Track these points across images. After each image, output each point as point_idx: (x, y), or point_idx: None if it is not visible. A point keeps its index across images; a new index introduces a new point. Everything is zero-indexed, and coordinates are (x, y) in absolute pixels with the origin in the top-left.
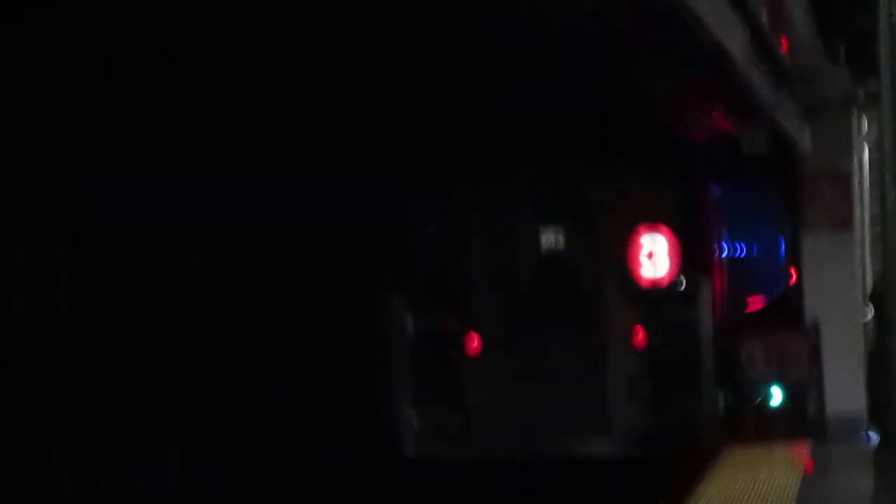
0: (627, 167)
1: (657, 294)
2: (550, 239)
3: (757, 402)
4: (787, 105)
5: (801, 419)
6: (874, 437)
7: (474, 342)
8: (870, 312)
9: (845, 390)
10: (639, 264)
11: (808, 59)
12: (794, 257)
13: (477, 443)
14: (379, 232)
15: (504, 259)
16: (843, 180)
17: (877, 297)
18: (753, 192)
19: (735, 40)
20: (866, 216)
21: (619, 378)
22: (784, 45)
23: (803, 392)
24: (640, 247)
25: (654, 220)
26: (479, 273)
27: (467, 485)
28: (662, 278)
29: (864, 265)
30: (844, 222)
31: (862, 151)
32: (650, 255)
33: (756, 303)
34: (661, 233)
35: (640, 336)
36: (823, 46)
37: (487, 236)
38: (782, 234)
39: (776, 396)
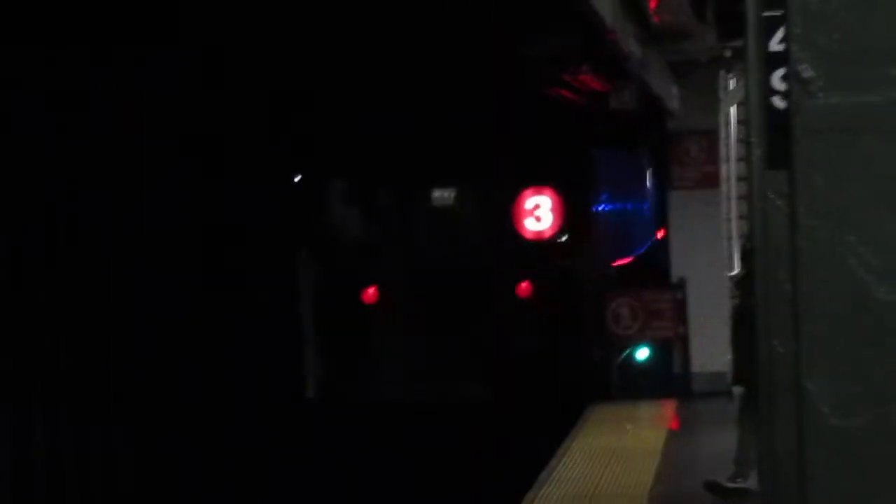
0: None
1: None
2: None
3: (623, 358)
4: (654, 63)
5: (667, 376)
6: (737, 394)
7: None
8: (735, 270)
9: (710, 348)
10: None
11: (676, 18)
12: (661, 215)
13: (376, 386)
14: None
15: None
16: (710, 138)
17: (746, 255)
18: (623, 150)
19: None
20: (732, 174)
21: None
22: (652, 4)
23: (669, 349)
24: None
25: (539, 182)
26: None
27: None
28: (545, 232)
29: (731, 223)
30: (710, 180)
31: (729, 109)
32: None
33: (624, 260)
34: (545, 193)
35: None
36: (691, 5)
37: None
38: (650, 192)
39: (642, 353)
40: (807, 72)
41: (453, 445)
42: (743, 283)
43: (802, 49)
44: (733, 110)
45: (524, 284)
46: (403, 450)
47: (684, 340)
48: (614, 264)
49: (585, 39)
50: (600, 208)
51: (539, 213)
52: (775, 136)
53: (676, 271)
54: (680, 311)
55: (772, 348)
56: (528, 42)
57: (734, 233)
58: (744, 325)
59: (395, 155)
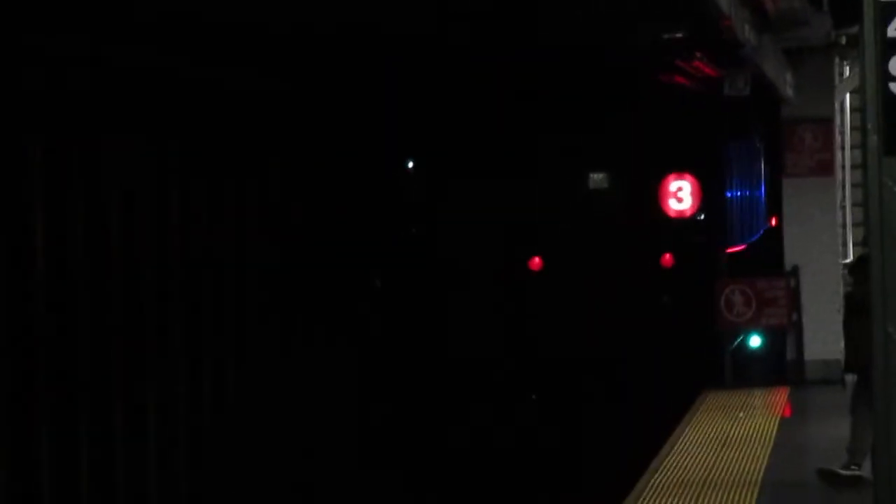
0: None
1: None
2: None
3: (736, 345)
4: (768, 50)
5: (780, 364)
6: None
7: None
8: (849, 257)
9: (824, 336)
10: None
11: (791, 4)
12: (775, 202)
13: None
14: None
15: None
16: (824, 126)
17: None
18: (743, 138)
19: None
20: (847, 162)
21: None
22: None
23: (782, 337)
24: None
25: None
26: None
27: None
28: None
29: (845, 211)
30: (825, 168)
31: (844, 97)
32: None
33: (738, 247)
34: (686, 178)
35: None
36: None
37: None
38: (764, 179)
39: (755, 341)
40: None
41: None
42: (856, 271)
43: None
44: (848, 97)
45: (667, 255)
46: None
47: (798, 328)
48: (728, 251)
49: (700, 25)
50: (729, 193)
51: (680, 195)
52: (892, 122)
53: (790, 259)
54: (793, 299)
55: (887, 335)
56: (642, 29)
57: (849, 221)
58: (856, 312)
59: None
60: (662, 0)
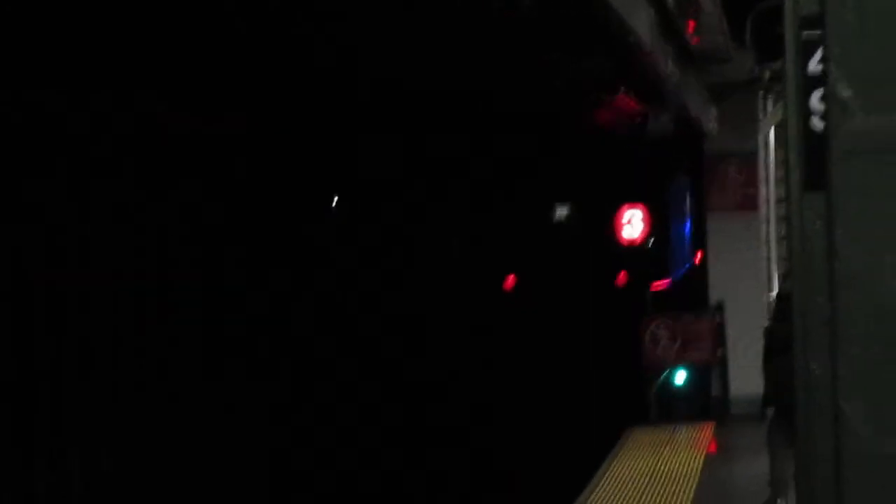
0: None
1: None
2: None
3: (661, 381)
4: (692, 85)
5: (705, 400)
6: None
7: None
8: (774, 292)
9: (749, 371)
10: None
11: (714, 40)
12: (700, 238)
13: None
14: None
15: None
16: (749, 160)
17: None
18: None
19: (641, 20)
20: (772, 196)
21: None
22: (690, 26)
23: (707, 373)
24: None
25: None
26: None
27: None
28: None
29: (770, 245)
30: (750, 202)
31: (768, 132)
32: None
33: (662, 283)
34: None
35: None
36: (729, 27)
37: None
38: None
39: (680, 377)
40: (844, 92)
41: None
42: (777, 306)
43: (840, 69)
44: (772, 132)
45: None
46: None
47: (723, 364)
48: (652, 288)
49: (622, 61)
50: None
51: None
52: (813, 157)
53: (715, 294)
54: (718, 335)
55: (809, 370)
56: (565, 65)
57: (773, 255)
58: (774, 347)
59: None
60: (585, 34)
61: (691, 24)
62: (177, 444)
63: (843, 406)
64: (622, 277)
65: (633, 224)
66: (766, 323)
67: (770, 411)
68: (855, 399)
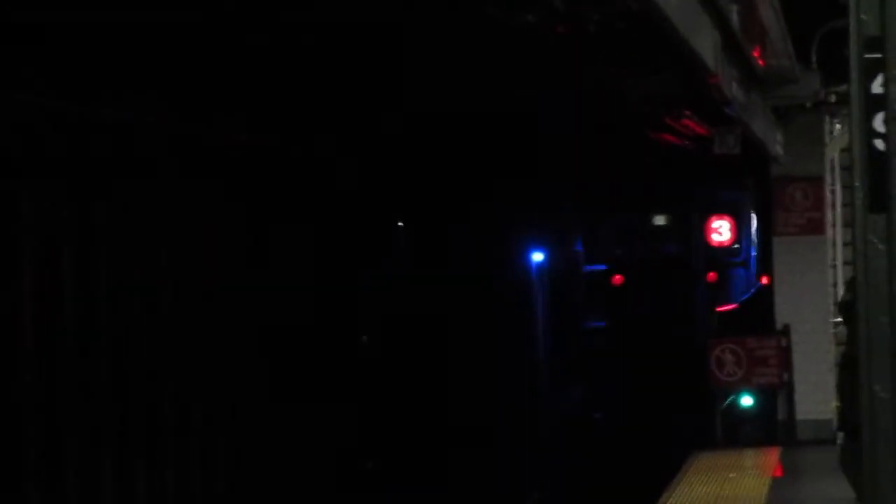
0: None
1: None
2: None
3: (727, 405)
4: (758, 108)
5: (771, 423)
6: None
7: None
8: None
9: (815, 395)
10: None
11: (780, 62)
12: (766, 260)
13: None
14: None
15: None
16: (815, 184)
17: (845, 303)
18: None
19: (705, 42)
20: (838, 220)
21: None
22: (755, 48)
23: (773, 397)
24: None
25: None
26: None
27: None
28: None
29: (836, 269)
30: (816, 226)
31: (834, 154)
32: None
33: (729, 305)
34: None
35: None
36: (794, 49)
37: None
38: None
39: (746, 400)
40: None
41: None
42: (848, 329)
43: None
44: (838, 155)
45: (711, 274)
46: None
47: (789, 387)
48: (718, 310)
49: (688, 83)
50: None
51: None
52: (877, 179)
53: (781, 318)
54: (785, 358)
55: (873, 392)
56: (629, 86)
57: (840, 279)
58: (849, 370)
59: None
60: (650, 58)
61: (757, 46)
62: None
63: None
64: (712, 276)
65: (721, 232)
66: (832, 347)
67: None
68: None
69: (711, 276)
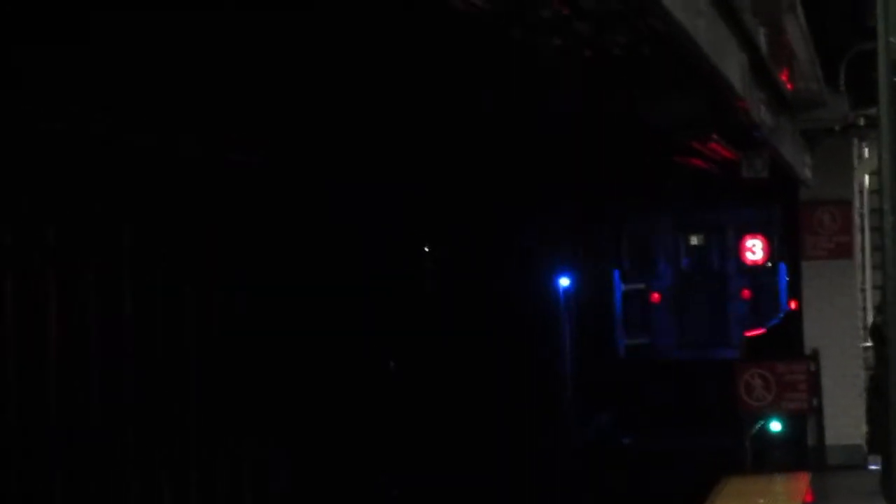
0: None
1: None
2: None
3: (756, 430)
4: (786, 131)
5: (801, 449)
6: (874, 467)
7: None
8: (868, 341)
9: (845, 420)
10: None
11: (808, 85)
12: (795, 285)
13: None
14: None
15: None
16: (843, 207)
17: (876, 326)
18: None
19: (733, 65)
20: (867, 244)
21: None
22: (783, 71)
23: (803, 422)
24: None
25: (754, 231)
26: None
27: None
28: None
29: (865, 293)
30: (844, 250)
31: (863, 178)
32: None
33: (757, 329)
34: (758, 238)
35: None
36: (823, 72)
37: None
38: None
39: (776, 426)
40: None
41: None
42: (877, 354)
43: None
44: (867, 179)
45: (745, 291)
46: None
47: (818, 412)
48: (747, 334)
49: (715, 107)
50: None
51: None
52: None
53: (810, 342)
54: (814, 383)
55: None
56: (654, 110)
57: (869, 304)
58: (879, 395)
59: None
60: (677, 82)
61: (785, 69)
62: None
63: None
64: (746, 293)
65: (754, 251)
66: (862, 371)
67: (873, 458)
68: None
69: (746, 293)
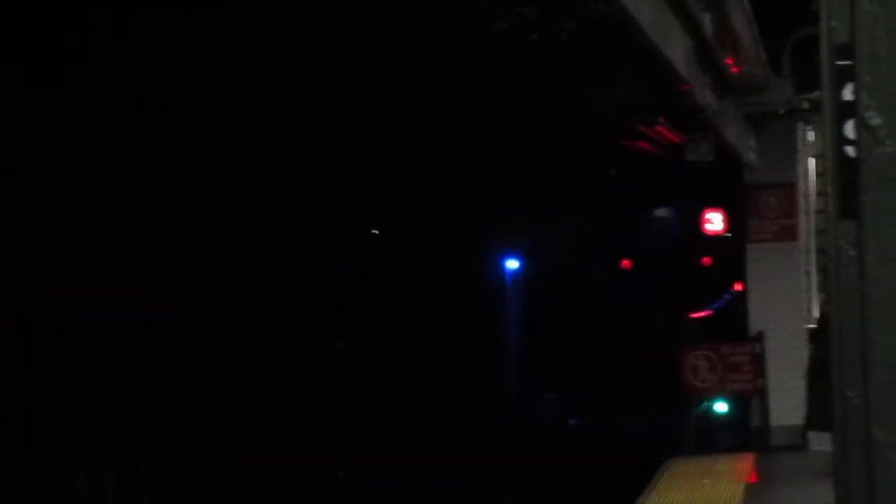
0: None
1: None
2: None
3: (701, 411)
4: (731, 115)
5: (745, 430)
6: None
7: None
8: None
9: (789, 401)
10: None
11: (753, 69)
12: (740, 267)
13: None
14: None
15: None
16: (788, 191)
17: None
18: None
19: (678, 49)
20: (812, 227)
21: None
22: (728, 55)
23: (748, 403)
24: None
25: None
26: None
27: None
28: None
29: (809, 276)
30: (789, 233)
31: (807, 161)
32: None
33: (702, 312)
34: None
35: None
36: (767, 56)
37: None
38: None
39: (720, 407)
40: (874, 120)
41: None
42: (816, 335)
43: (870, 98)
44: (811, 162)
45: (705, 258)
46: None
47: (763, 394)
48: (692, 315)
49: (660, 90)
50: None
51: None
52: (847, 185)
53: (754, 325)
54: (759, 365)
55: (845, 398)
56: (602, 95)
57: (813, 286)
58: (817, 373)
59: None
60: (622, 67)
61: (729, 53)
62: None
63: (875, 434)
64: (706, 260)
65: (713, 222)
66: (805, 352)
67: (812, 435)
68: (888, 427)
69: (706, 260)
